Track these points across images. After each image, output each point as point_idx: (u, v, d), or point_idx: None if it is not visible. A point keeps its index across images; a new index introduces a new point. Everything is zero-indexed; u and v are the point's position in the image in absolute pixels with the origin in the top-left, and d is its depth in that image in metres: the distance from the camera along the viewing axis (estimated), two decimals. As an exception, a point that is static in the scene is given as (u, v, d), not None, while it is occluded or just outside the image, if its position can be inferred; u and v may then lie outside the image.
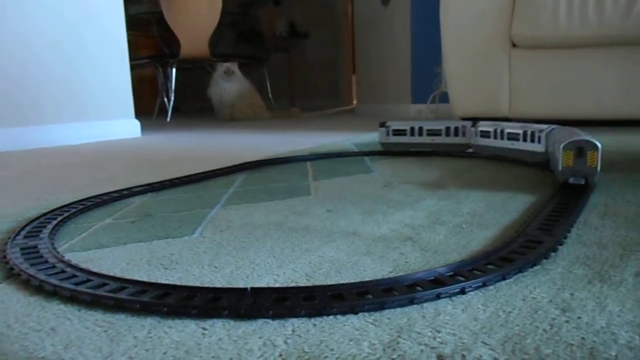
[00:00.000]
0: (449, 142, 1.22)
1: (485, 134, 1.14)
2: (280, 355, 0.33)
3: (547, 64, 1.88)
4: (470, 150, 1.19)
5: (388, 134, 1.25)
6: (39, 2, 1.85)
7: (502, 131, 1.10)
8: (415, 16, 3.02)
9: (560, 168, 0.75)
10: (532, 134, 1.02)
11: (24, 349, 0.34)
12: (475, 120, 1.23)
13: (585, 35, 1.81)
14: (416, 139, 1.24)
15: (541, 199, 0.73)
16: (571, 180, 0.74)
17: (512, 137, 1.06)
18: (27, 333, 0.37)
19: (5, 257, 0.52)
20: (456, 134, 1.22)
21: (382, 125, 1.27)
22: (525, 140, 1.04)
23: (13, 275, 0.48)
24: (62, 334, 0.36)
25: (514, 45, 1.93)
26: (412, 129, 1.24)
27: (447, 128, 1.22)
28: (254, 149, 1.54)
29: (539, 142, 1.01)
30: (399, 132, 1.25)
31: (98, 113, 2.07)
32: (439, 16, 2.04)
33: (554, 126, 1.01)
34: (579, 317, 0.36)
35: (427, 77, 2.95)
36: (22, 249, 0.55)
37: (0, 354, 0.34)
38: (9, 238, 0.59)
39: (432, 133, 1.23)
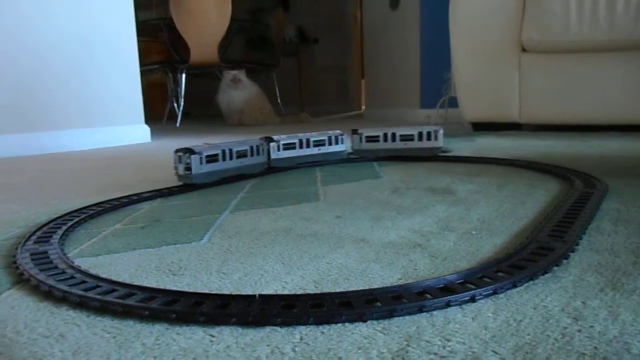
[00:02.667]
0: (422, 146, 1.25)
1: (372, 139, 1.24)
2: (289, 363, 0.32)
3: (558, 69, 1.87)
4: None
5: (361, 141, 1.25)
6: (50, 12, 1.87)
7: (393, 134, 1.24)
8: (425, 21, 3.01)
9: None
10: (429, 133, 1.22)
11: (33, 355, 0.34)
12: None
13: (595, 40, 1.80)
14: (389, 145, 1.24)
15: (552, 205, 0.72)
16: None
17: (406, 138, 1.23)
18: (36, 339, 0.37)
19: (15, 262, 0.53)
20: (429, 139, 1.24)
21: (355, 132, 1.26)
22: (421, 139, 1.23)
23: (23, 281, 0.49)
24: (71, 341, 0.36)
25: (524, 50, 1.93)
26: (386, 135, 1.24)
27: (420, 133, 1.24)
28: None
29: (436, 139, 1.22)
30: (372, 139, 1.25)
31: (109, 119, 2.08)
32: (448, 21, 2.04)
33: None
34: (592, 327, 0.36)
35: (436, 83, 2.94)
36: (32, 254, 0.55)
37: (10, 360, 0.34)
38: (20, 244, 0.59)
39: (405, 138, 1.24)
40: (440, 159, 1.27)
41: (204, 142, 0.89)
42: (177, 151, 0.94)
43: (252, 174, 1.06)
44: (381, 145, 1.24)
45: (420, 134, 1.24)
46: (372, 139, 1.25)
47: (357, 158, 1.27)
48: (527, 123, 2.00)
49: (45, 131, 1.87)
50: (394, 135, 1.24)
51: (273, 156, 1.12)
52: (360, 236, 0.61)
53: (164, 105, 3.70)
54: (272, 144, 1.10)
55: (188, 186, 0.95)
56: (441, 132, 1.24)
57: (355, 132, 1.26)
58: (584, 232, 0.57)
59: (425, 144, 1.24)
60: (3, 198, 0.95)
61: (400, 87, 3.27)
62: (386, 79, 3.42)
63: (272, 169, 1.13)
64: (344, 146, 1.24)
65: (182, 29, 3.15)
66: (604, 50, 1.81)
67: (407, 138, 1.24)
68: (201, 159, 0.95)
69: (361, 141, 1.25)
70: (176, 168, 0.95)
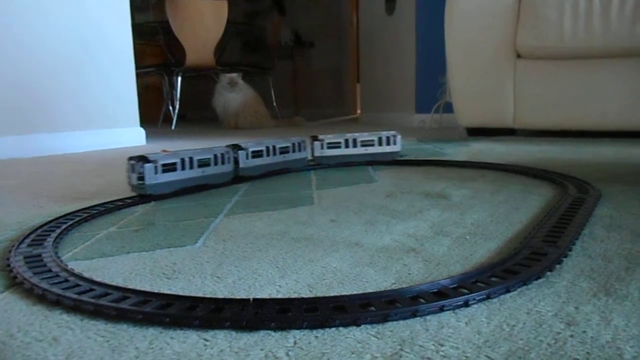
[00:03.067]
0: (381, 151, 1.26)
1: (333, 145, 1.22)
2: (282, 367, 0.32)
3: (552, 75, 1.88)
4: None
5: (322, 147, 1.22)
6: (48, 11, 1.87)
7: (354, 140, 1.23)
8: (420, 26, 3.03)
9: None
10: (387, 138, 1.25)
11: (26, 358, 0.34)
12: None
13: (590, 46, 1.81)
14: (350, 151, 1.23)
15: (545, 211, 0.73)
16: None
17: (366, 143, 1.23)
18: (29, 343, 0.37)
19: (8, 265, 0.53)
20: (388, 143, 1.25)
21: (315, 138, 1.23)
22: (380, 144, 1.25)
23: (16, 284, 0.48)
24: (64, 344, 0.36)
25: (518, 55, 1.94)
26: (347, 141, 1.23)
27: (379, 138, 1.25)
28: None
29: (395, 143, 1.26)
30: (333, 145, 1.23)
31: (104, 121, 2.08)
32: (444, 26, 2.05)
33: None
34: (584, 332, 0.36)
35: (431, 87, 2.95)
36: (25, 257, 0.55)
37: (2, 364, 0.34)
38: (13, 246, 0.59)
39: (365, 144, 1.24)
40: (434, 162, 1.27)
41: (162, 149, 0.83)
42: (130, 159, 0.86)
43: (216, 184, 0.97)
44: (342, 151, 1.23)
45: (380, 139, 1.26)
46: (333, 145, 1.23)
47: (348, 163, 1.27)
48: (522, 128, 2.01)
49: (40, 133, 1.86)
50: (354, 140, 1.23)
51: (242, 164, 1.05)
52: (354, 240, 0.61)
53: (159, 107, 3.70)
54: (240, 152, 1.03)
55: (143, 197, 0.88)
56: (399, 137, 1.27)
57: (315, 138, 1.23)
58: (577, 237, 0.58)
59: (384, 149, 1.26)
60: (-4, 200, 0.94)
61: (395, 91, 3.28)
62: (381, 83, 3.43)
63: (240, 177, 1.05)
64: (306, 153, 1.20)
65: (178, 31, 3.15)
66: (599, 56, 1.82)
67: (367, 143, 1.25)
68: (156, 167, 0.88)
69: (322, 147, 1.22)
70: (128, 177, 0.87)
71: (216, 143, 1.08)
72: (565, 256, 0.51)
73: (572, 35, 1.83)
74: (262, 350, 0.35)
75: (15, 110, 1.80)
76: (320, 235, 0.64)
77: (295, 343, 0.35)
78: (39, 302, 0.44)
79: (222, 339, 0.36)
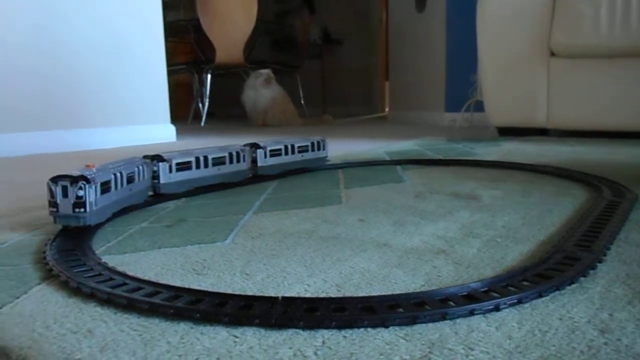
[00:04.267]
0: (314, 157, 1.16)
1: (275, 153, 1.07)
2: (310, 366, 0.33)
3: (587, 74, 1.84)
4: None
5: (266, 156, 1.04)
6: (85, 12, 1.91)
7: (292, 146, 1.10)
8: (451, 23, 2.99)
9: None
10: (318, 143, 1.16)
11: (61, 350, 0.35)
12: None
13: (627, 44, 1.76)
14: (290, 158, 1.09)
15: (579, 214, 0.71)
16: None
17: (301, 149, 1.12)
18: (64, 334, 0.38)
19: (44, 258, 0.54)
20: (319, 149, 1.16)
21: (256, 146, 1.04)
22: (313, 150, 1.15)
23: (52, 277, 0.50)
24: (98, 337, 0.37)
25: (552, 54, 1.89)
26: (286, 147, 1.09)
27: (312, 143, 1.15)
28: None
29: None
30: (275, 153, 1.07)
31: (136, 117, 2.12)
32: (475, 23, 2.02)
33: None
34: (619, 339, 0.35)
35: (461, 85, 2.91)
36: (60, 250, 0.56)
37: (39, 355, 0.35)
38: (49, 240, 0.60)
39: (302, 149, 1.12)
40: (464, 162, 1.25)
41: (89, 163, 0.72)
42: (53, 179, 0.64)
43: (138, 203, 0.82)
44: (283, 158, 1.09)
45: (313, 144, 1.15)
46: (275, 153, 1.07)
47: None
48: (554, 128, 1.96)
49: (75, 129, 1.91)
50: (292, 147, 1.10)
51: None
52: (382, 240, 0.61)
53: (189, 105, 3.75)
54: (161, 164, 0.86)
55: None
56: (326, 141, 1.19)
57: (256, 145, 1.04)
58: (612, 242, 0.56)
59: (316, 154, 1.17)
60: (33, 194, 0.97)
61: (424, 89, 3.25)
62: (411, 81, 3.41)
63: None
64: (245, 164, 1.02)
65: (208, 29, 3.19)
66: (636, 54, 1.76)
67: (303, 149, 1.13)
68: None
69: (266, 156, 1.05)
70: (55, 205, 0.64)
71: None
72: (600, 261, 0.50)
73: (608, 33, 1.78)
74: (290, 348, 0.35)
75: (50, 106, 1.85)
76: (349, 234, 0.64)
77: (323, 342, 0.36)
78: (74, 295, 0.45)
79: (251, 336, 0.37)
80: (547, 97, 1.91)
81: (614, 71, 1.80)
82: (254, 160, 1.03)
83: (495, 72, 2.00)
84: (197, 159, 0.91)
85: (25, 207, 0.84)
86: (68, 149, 1.86)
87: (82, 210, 0.63)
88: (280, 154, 1.07)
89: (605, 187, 0.86)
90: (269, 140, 1.07)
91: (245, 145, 1.02)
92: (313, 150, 1.14)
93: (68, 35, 1.88)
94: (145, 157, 0.85)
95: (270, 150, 1.04)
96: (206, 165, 0.93)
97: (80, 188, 0.64)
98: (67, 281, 0.47)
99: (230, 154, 0.98)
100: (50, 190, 0.64)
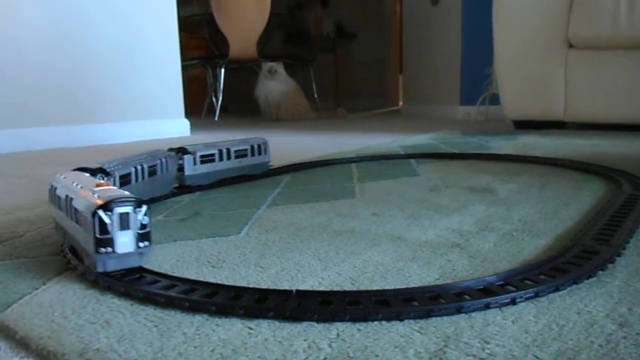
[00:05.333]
0: (254, 162, 1.02)
1: (207, 159, 0.93)
2: (325, 358, 0.33)
3: (606, 66, 1.80)
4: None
5: (195, 163, 0.91)
6: (102, 8, 1.93)
7: (228, 151, 0.96)
8: (467, 15, 2.96)
9: None
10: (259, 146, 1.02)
11: (80, 340, 0.36)
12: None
13: (647, 35, 1.72)
14: (225, 164, 0.96)
15: (597, 207, 0.70)
16: None
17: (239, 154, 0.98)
18: (82, 325, 0.38)
19: (63, 250, 0.55)
20: (259, 153, 1.02)
21: (184, 151, 0.90)
22: (253, 154, 1.01)
23: (70, 269, 0.51)
24: (115, 327, 0.38)
25: (570, 45, 1.86)
26: (220, 152, 0.95)
27: (252, 147, 1.01)
28: (299, 150, 1.55)
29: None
30: (207, 159, 0.93)
31: (151, 112, 2.14)
32: (491, 15, 1.99)
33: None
34: (638, 334, 0.34)
35: (477, 78, 2.88)
36: (79, 243, 0.57)
37: (58, 344, 0.35)
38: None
39: (239, 154, 0.99)
40: (479, 156, 1.24)
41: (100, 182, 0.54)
42: (102, 207, 0.46)
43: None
44: (217, 165, 0.94)
45: (252, 148, 1.01)
46: (207, 159, 0.93)
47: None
48: (572, 121, 1.94)
49: (90, 124, 1.93)
50: (228, 151, 0.96)
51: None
52: (397, 234, 0.61)
53: (203, 99, 3.77)
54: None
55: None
56: (267, 144, 1.04)
57: (183, 151, 0.90)
58: (631, 235, 0.55)
59: (256, 159, 1.02)
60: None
61: (439, 82, 3.22)
62: (425, 74, 3.38)
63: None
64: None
65: (221, 24, 3.19)
66: (656, 46, 1.73)
67: (241, 154, 0.99)
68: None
69: (195, 163, 0.91)
70: (107, 243, 0.46)
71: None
72: (619, 255, 0.49)
73: (628, 24, 1.74)
74: (305, 340, 0.35)
75: (66, 102, 1.87)
76: (363, 228, 0.64)
77: (338, 335, 0.36)
78: (92, 287, 0.46)
79: (266, 328, 0.37)
80: (564, 90, 1.88)
81: (633, 63, 1.76)
82: (181, 169, 0.89)
83: (512, 64, 1.97)
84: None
85: (43, 200, 0.85)
86: (83, 144, 1.88)
87: (148, 243, 0.48)
88: (213, 160, 0.92)
89: (625, 180, 0.85)
90: (200, 145, 0.93)
91: (170, 150, 0.89)
92: (253, 154, 0.99)
93: (84, 32, 1.90)
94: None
95: (201, 157, 0.89)
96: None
97: (145, 214, 0.47)
98: (84, 273, 0.48)
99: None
100: (101, 222, 0.45)
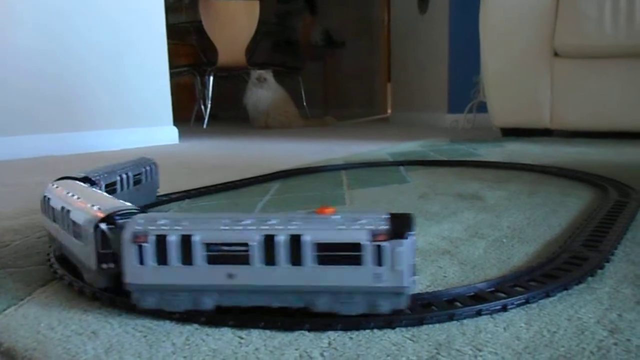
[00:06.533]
0: (145, 190, 0.84)
1: (110, 187, 0.72)
2: (317, 368, 0.32)
3: (592, 74, 1.83)
4: None
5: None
6: (89, 16, 1.92)
7: (127, 176, 0.77)
8: (454, 24, 2.99)
9: None
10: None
11: (66, 351, 0.35)
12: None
13: (631, 44, 1.75)
14: (123, 194, 0.75)
15: (585, 214, 0.71)
16: None
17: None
18: (69, 336, 0.37)
19: (49, 260, 0.54)
20: (152, 176, 0.85)
21: (85, 179, 0.65)
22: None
23: (56, 279, 0.50)
24: (103, 338, 0.37)
25: (556, 54, 1.89)
26: (122, 178, 0.75)
27: (145, 171, 0.83)
28: (288, 157, 1.54)
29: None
30: (110, 187, 0.72)
31: (139, 120, 2.12)
32: (478, 24, 2.01)
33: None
34: (628, 340, 0.35)
35: (464, 86, 2.91)
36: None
37: (44, 356, 0.35)
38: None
39: (137, 180, 0.80)
40: (467, 163, 1.25)
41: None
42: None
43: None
44: (118, 194, 0.73)
45: (146, 172, 0.83)
46: (110, 188, 0.72)
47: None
48: (558, 129, 1.96)
49: (79, 131, 1.92)
50: (127, 177, 0.77)
51: None
52: (387, 241, 0.60)
53: (192, 107, 3.75)
54: None
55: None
56: (157, 167, 0.87)
57: (84, 179, 0.65)
58: (619, 242, 0.56)
59: (148, 185, 0.84)
60: (39, 196, 0.97)
61: (427, 90, 3.24)
62: (413, 82, 3.40)
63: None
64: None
65: (210, 31, 3.19)
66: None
67: (137, 180, 0.80)
68: None
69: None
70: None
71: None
72: (607, 261, 0.50)
73: (612, 33, 1.77)
74: (296, 350, 0.35)
75: (55, 109, 1.86)
76: (353, 235, 0.63)
77: (329, 344, 0.35)
78: (78, 297, 0.45)
79: (256, 337, 0.36)
80: (550, 98, 1.90)
81: (618, 71, 1.79)
82: None
83: (499, 73, 1.99)
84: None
85: (30, 209, 0.84)
86: (72, 152, 1.86)
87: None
88: (115, 190, 0.73)
89: (612, 187, 0.86)
90: (100, 169, 0.73)
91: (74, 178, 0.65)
92: (146, 179, 0.83)
93: (72, 38, 1.89)
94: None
95: (106, 186, 0.71)
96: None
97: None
98: (70, 283, 0.47)
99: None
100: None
